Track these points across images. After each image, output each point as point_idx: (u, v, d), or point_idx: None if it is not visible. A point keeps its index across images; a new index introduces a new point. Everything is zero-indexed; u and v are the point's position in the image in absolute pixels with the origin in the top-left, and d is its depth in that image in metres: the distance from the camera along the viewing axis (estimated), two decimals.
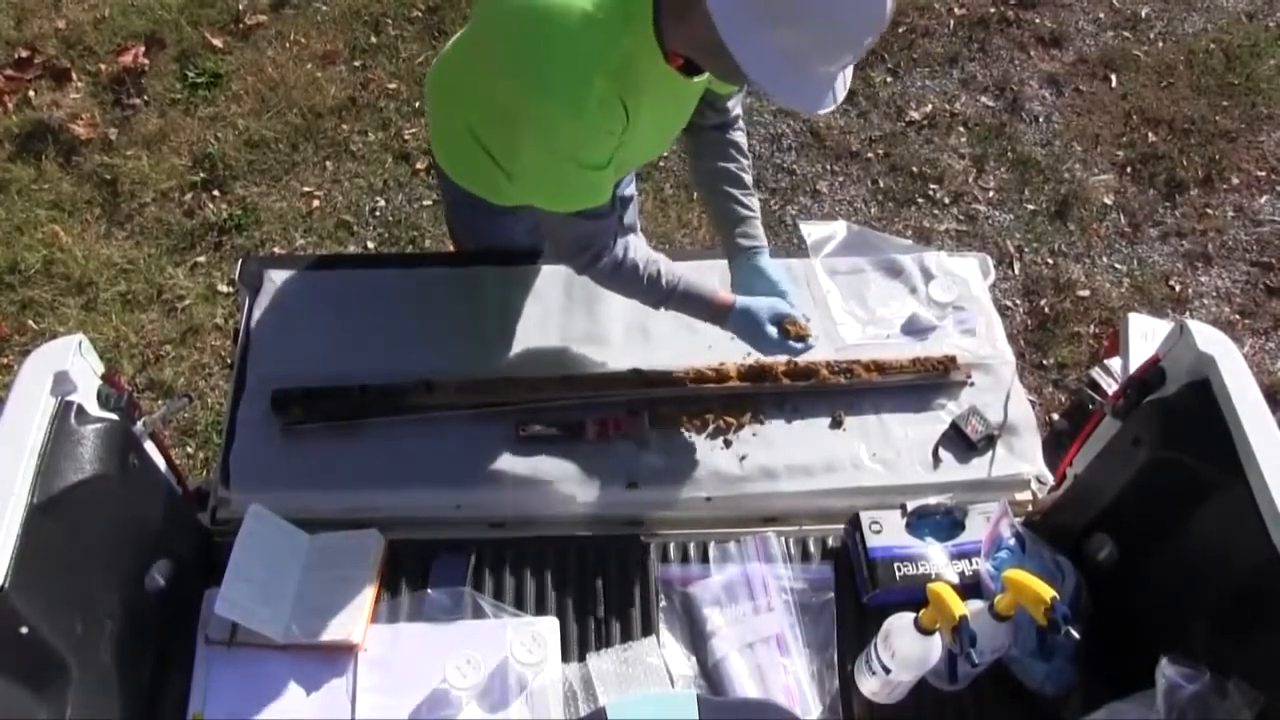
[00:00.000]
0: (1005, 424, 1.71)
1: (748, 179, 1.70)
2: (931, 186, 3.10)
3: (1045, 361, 2.76)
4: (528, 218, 1.77)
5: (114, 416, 1.33)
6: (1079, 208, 3.07)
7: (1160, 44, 3.51)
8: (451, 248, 2.81)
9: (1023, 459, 1.68)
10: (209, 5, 3.40)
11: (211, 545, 1.55)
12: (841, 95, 1.30)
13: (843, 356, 1.75)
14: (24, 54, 3.20)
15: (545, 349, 1.75)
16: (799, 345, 1.62)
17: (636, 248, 1.55)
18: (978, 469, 1.67)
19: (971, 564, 1.53)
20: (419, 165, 3.06)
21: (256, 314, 1.77)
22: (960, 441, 1.69)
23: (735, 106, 1.69)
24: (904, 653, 1.37)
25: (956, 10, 3.56)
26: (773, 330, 1.60)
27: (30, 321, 2.69)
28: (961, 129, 3.25)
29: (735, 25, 1.20)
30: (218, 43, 3.29)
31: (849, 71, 1.32)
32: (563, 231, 1.50)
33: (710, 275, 1.69)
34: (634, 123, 1.40)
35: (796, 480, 1.64)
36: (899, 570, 1.51)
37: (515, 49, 1.34)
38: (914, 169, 3.13)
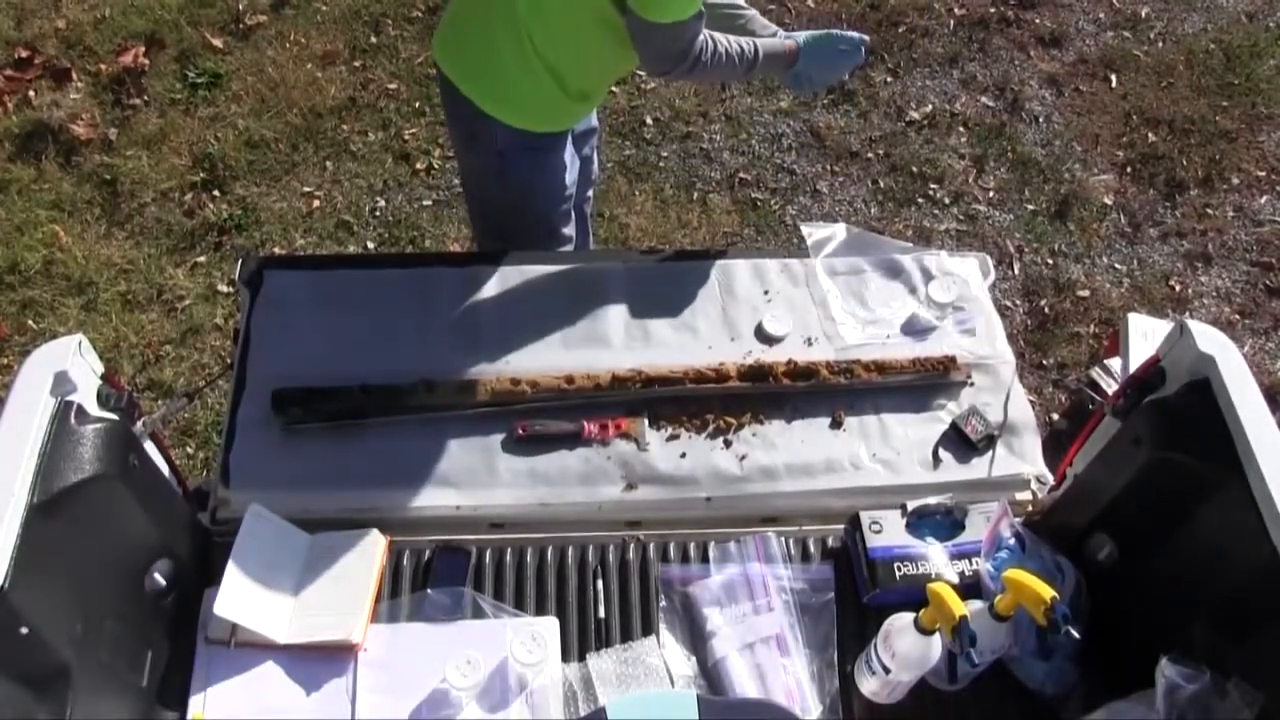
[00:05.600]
0: (1005, 424, 1.71)
1: (751, 23, 1.89)
2: (931, 186, 3.10)
3: (1045, 361, 2.76)
4: (573, 145, 1.93)
5: (114, 416, 1.33)
6: (1079, 208, 3.07)
7: (1160, 44, 3.51)
8: (453, 248, 2.84)
9: (1023, 459, 1.68)
10: (209, 5, 3.40)
11: (211, 545, 1.55)
12: None
13: (843, 356, 1.75)
14: (24, 54, 3.20)
15: (545, 349, 1.75)
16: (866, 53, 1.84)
17: (712, 37, 1.72)
18: (978, 469, 1.67)
19: (971, 564, 1.53)
20: (419, 165, 3.06)
21: (256, 314, 1.76)
22: (960, 441, 1.69)
23: None
24: (904, 653, 1.37)
25: (956, 10, 3.56)
26: (840, 48, 1.82)
27: (30, 321, 2.69)
28: (961, 129, 3.25)
29: None
30: (218, 43, 3.29)
31: None
32: (664, 47, 1.68)
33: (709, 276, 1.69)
34: None
35: (796, 480, 1.64)
36: (899, 570, 1.51)
37: None
38: (914, 169, 3.13)
